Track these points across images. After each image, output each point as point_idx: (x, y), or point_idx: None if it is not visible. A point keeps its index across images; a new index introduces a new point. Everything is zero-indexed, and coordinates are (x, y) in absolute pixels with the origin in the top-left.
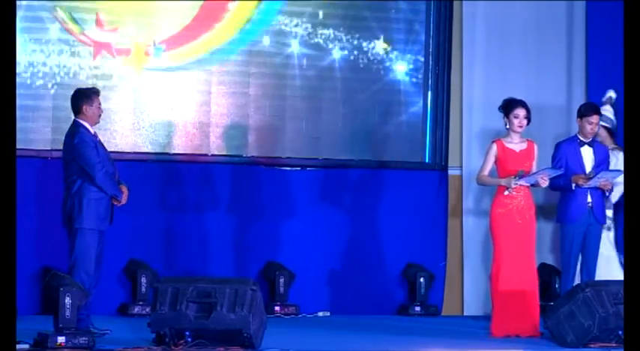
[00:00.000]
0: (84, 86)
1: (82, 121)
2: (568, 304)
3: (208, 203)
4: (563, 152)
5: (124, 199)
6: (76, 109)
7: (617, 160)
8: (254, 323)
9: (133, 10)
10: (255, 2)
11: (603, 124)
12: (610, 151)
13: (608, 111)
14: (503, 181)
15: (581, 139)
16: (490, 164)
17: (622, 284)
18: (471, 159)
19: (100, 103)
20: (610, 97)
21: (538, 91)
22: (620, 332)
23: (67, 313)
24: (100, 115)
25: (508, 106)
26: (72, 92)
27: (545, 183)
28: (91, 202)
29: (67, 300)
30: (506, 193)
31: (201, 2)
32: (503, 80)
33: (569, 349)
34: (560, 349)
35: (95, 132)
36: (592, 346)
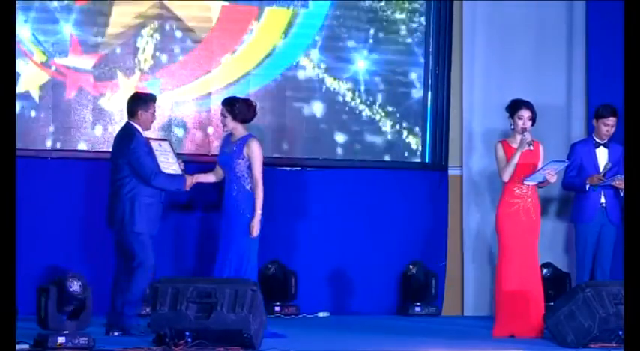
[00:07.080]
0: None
1: (135, 125)
2: (568, 304)
3: (208, 203)
4: (578, 153)
5: (188, 183)
6: (132, 112)
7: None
8: (254, 323)
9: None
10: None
11: None
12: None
13: None
14: (519, 149)
15: (597, 140)
16: (503, 162)
17: (622, 284)
18: (471, 159)
19: (155, 110)
20: None
21: (538, 91)
22: (620, 332)
23: None
24: (152, 122)
25: (513, 107)
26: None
27: (553, 178)
28: (143, 207)
29: None
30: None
31: None
32: (504, 80)
33: (569, 349)
34: (560, 349)
35: (146, 136)
36: (592, 346)
